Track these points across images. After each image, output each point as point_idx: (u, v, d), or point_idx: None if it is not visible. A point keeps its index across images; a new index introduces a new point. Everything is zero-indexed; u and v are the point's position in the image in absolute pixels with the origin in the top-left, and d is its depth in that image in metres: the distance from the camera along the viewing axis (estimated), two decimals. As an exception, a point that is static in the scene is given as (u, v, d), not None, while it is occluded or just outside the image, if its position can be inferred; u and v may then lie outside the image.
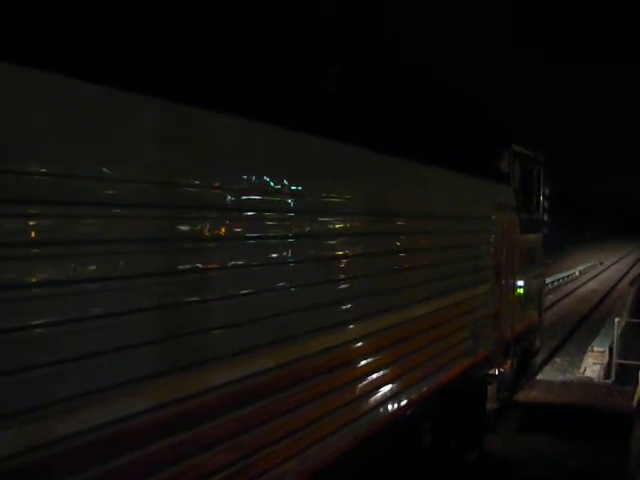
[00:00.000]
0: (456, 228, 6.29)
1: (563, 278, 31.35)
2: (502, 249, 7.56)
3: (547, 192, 9.71)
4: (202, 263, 3.04)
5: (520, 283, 8.38)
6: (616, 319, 13.47)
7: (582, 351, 13.85)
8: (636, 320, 15.18)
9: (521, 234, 8.32)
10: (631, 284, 26.52)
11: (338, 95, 4.48)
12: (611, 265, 46.01)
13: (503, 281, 7.66)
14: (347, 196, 4.42)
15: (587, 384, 11.91)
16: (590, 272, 38.47)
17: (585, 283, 32.49)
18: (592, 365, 12.66)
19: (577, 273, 35.61)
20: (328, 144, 4.23)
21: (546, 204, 9.76)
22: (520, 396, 10.21)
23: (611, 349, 12.63)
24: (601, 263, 45.28)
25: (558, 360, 13.93)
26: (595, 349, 12.82)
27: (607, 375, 12.20)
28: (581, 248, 56.61)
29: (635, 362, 11.71)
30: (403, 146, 5.11)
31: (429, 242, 5.68)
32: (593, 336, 14.61)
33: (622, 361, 12.27)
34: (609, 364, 12.39)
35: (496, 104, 8.70)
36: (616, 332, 13.00)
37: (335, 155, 4.35)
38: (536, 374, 11.60)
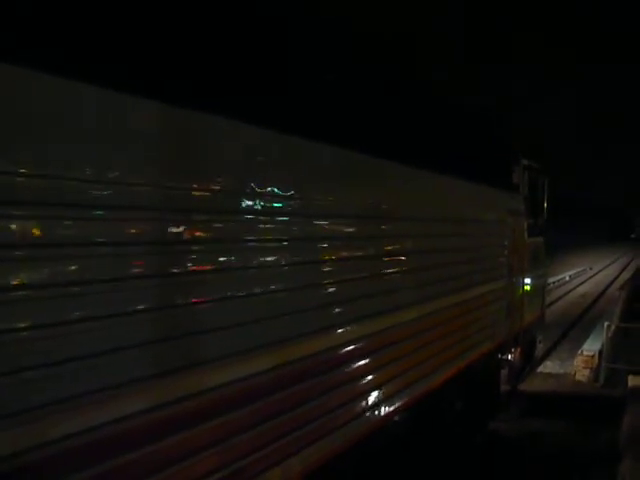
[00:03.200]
0: (480, 231, 7.62)
1: (554, 282, 32.16)
2: (513, 250, 8.90)
3: (549, 200, 11.13)
4: (197, 265, 3.13)
5: (527, 281, 9.69)
6: (605, 323, 13.86)
7: (572, 355, 14.32)
8: (625, 324, 15.58)
9: (528, 237, 9.69)
10: (621, 289, 27.16)
11: (366, 113, 5.04)
12: (601, 270, 47.18)
13: (514, 278, 8.97)
14: (385, 206, 5.28)
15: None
16: (580, 277, 39.46)
17: (575, 288, 33.40)
18: (582, 369, 13.12)
19: (567, 278, 36.48)
20: (357, 156, 4.76)
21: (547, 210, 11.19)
22: (522, 385, 11.27)
23: (601, 353, 13.03)
24: (591, 268, 46.38)
25: (549, 363, 14.60)
26: (585, 353, 13.20)
27: (596, 379, 12.70)
28: (571, 253, 57.74)
29: (624, 366, 12.23)
30: (437, 161, 6.40)
31: (459, 243, 6.93)
32: (583, 340, 15.08)
33: (611, 365, 12.76)
34: (598, 368, 12.78)
35: (510, 124, 10.11)
36: (606, 336, 13.36)
37: (370, 167, 5.01)
38: (538, 365, 12.90)
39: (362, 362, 4.78)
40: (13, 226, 2.26)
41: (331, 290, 4.42)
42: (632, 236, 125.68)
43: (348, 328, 4.57)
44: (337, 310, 4.47)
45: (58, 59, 2.44)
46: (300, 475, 4.01)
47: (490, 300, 7.91)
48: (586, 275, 41.59)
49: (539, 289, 11.04)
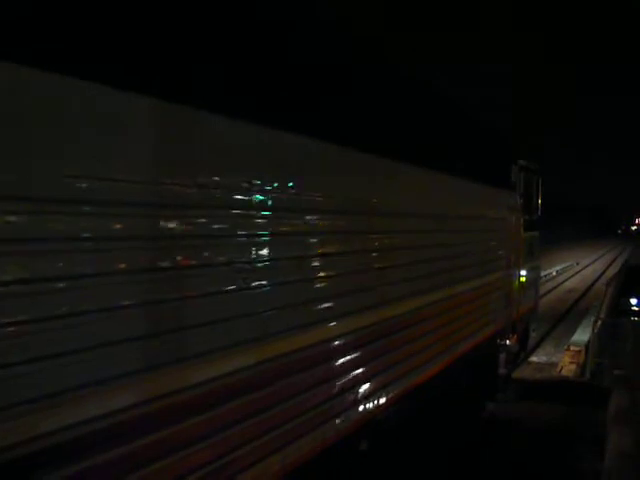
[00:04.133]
0: (485, 227, 8.53)
1: (540, 277, 32.46)
2: (512, 244, 9.78)
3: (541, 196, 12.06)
4: (185, 260, 3.16)
5: (523, 273, 10.58)
6: (592, 318, 14.43)
7: (559, 350, 14.94)
8: (612, 319, 15.68)
9: (524, 232, 10.60)
10: (608, 284, 27.49)
11: (371, 115, 5.38)
12: (587, 265, 48.22)
13: (512, 270, 9.85)
14: (407, 205, 6.03)
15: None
16: (567, 272, 40.37)
17: (562, 283, 34.15)
18: (568, 364, 13.56)
19: (554, 273, 37.26)
20: (364, 156, 5.12)
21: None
22: (516, 373, 12.17)
23: (587, 348, 13.54)
24: (577, 263, 47.36)
25: (535, 359, 14.84)
26: (572, 348, 13.85)
27: (583, 373, 12.97)
28: (557, 248, 58.38)
29: (610, 361, 12.49)
30: (447, 164, 7.21)
31: (467, 238, 7.79)
32: (570, 335, 15.76)
33: (598, 360, 12.86)
34: (585, 363, 13.19)
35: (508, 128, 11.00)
36: (592, 331, 13.69)
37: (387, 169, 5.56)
38: (530, 354, 13.80)
39: (392, 339, 5.58)
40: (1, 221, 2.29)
41: (355, 279, 4.98)
42: (619, 232, 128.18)
43: (377, 310, 5.31)
44: (366, 297, 5.13)
45: (52, 56, 2.46)
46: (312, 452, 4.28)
47: (493, 289, 8.81)
48: (573, 270, 42.38)
49: (533, 281, 11.98)
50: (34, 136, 2.41)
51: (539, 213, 11.79)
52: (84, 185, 2.60)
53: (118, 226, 2.79)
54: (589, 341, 13.66)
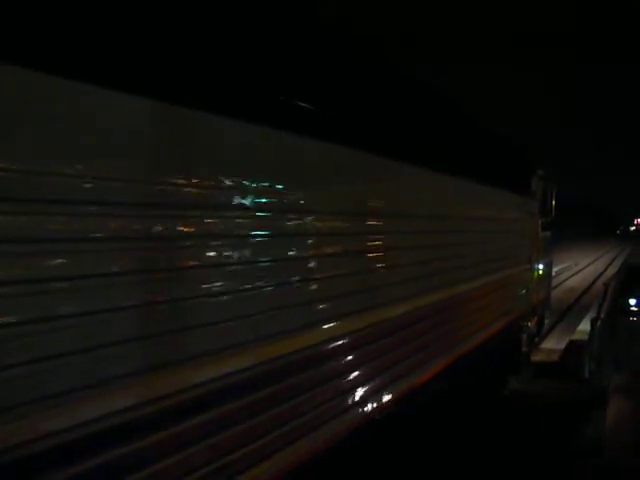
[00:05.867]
0: (516, 227, 10.65)
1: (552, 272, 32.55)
2: (531, 242, 11.84)
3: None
4: (186, 261, 3.17)
5: (540, 266, 12.67)
6: (591, 317, 15.12)
7: (567, 337, 15.83)
8: (611, 319, 15.68)
9: (541, 232, 12.67)
10: (606, 284, 27.89)
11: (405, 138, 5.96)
12: (587, 266, 49.17)
13: (531, 264, 11.89)
14: (453, 210, 7.39)
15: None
16: (566, 273, 40.99)
17: (561, 284, 34.50)
18: None
19: (553, 274, 37.71)
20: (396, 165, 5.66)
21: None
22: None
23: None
24: (576, 264, 47.86)
25: (546, 346, 15.63)
26: (578, 336, 14.63)
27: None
28: (558, 249, 58.33)
29: (609, 359, 12.75)
30: (482, 176, 8.85)
31: (498, 236, 9.71)
32: (570, 333, 16.37)
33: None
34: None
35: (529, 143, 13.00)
36: (591, 330, 14.26)
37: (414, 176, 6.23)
38: (543, 339, 15.68)
39: (432, 321, 6.63)
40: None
41: (383, 272, 5.47)
42: (617, 232, 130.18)
43: (421, 297, 6.29)
44: (397, 287, 5.72)
45: (49, 56, 2.48)
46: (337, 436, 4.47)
47: (518, 279, 10.85)
48: (572, 271, 43.04)
49: (547, 274, 14.09)
50: (31, 136, 2.42)
51: (553, 215, 13.88)
52: (81, 185, 2.60)
53: (117, 227, 2.79)
54: (588, 340, 14.12)
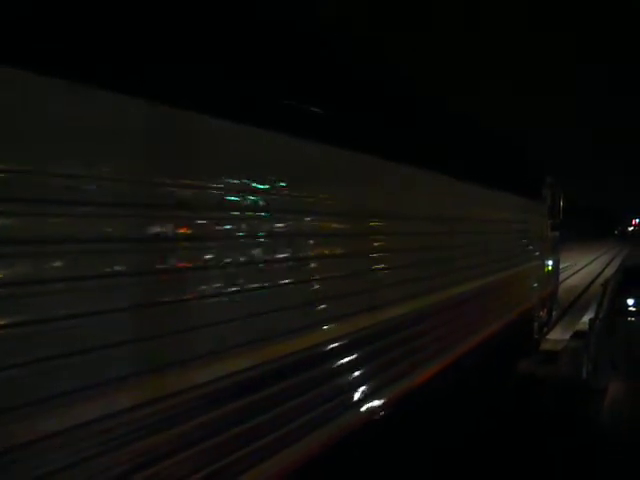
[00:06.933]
0: (531, 228, 12.11)
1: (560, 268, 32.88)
2: (542, 241, 13.32)
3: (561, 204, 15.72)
4: (184, 262, 3.17)
5: (549, 263, 14.14)
6: (588, 317, 15.44)
7: (571, 329, 16.76)
8: (609, 319, 15.57)
9: (550, 232, 14.17)
10: (604, 285, 27.98)
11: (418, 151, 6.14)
12: (585, 266, 49.54)
13: (542, 260, 13.36)
14: (475, 216, 8.30)
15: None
16: (564, 272, 39.52)
17: (563, 281, 33.40)
18: None
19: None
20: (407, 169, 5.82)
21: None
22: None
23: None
24: (575, 264, 47.88)
25: (552, 337, 16.02)
26: (581, 327, 15.24)
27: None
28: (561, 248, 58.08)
29: (606, 359, 12.86)
30: (500, 183, 10.16)
31: (515, 236, 11.15)
32: (573, 326, 17.20)
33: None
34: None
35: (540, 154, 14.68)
36: (589, 330, 14.28)
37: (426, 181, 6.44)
38: (549, 331, 16.91)
39: (458, 310, 7.30)
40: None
41: (410, 268, 5.85)
42: (615, 232, 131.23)
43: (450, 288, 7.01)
44: (433, 282, 6.40)
45: (46, 58, 2.48)
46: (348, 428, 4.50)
47: (531, 274, 12.29)
48: (571, 270, 43.18)
49: (555, 270, 15.57)
50: (28, 136, 2.42)
51: (560, 217, 15.44)
52: (79, 186, 2.61)
53: (116, 227, 2.80)
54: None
